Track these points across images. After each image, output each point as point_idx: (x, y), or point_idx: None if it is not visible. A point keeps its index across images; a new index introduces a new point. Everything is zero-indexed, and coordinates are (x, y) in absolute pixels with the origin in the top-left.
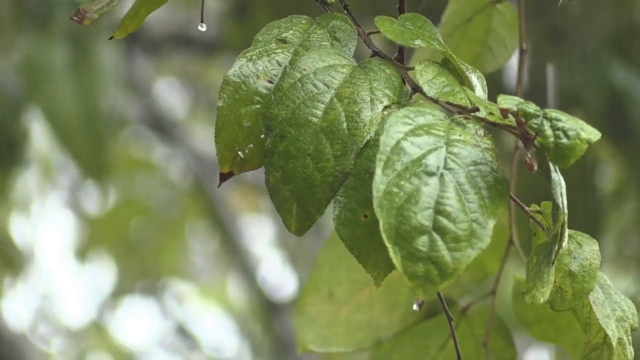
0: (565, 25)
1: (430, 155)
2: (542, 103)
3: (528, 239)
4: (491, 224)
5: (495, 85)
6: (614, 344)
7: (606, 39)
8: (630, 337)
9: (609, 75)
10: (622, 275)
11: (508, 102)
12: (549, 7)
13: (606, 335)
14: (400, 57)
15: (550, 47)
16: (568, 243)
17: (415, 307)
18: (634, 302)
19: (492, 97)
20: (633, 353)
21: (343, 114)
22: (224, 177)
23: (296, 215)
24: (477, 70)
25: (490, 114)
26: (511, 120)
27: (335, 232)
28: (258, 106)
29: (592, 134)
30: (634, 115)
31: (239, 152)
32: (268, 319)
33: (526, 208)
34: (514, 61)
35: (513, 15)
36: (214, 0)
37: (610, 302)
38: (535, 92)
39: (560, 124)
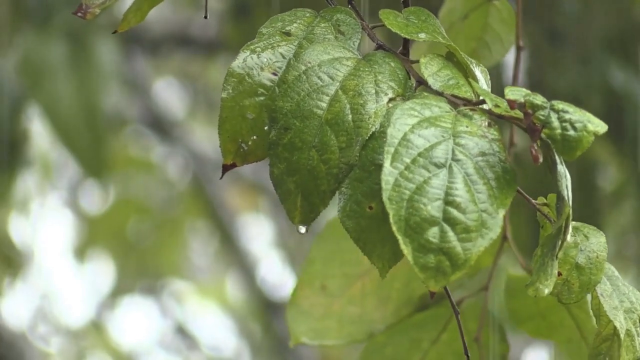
0: (565, 25)
1: (438, 147)
2: None
3: (522, 235)
4: (501, 214)
5: (494, 83)
6: (621, 335)
7: (606, 39)
8: (639, 329)
9: (608, 76)
10: (621, 275)
11: (515, 93)
12: (549, 7)
13: (615, 326)
14: (405, 50)
15: (549, 47)
16: (574, 235)
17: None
18: None
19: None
20: None
21: (348, 106)
22: (226, 168)
23: (300, 207)
24: (481, 64)
25: (496, 106)
26: (516, 112)
27: (327, 227)
28: (262, 98)
29: (598, 126)
30: (633, 116)
31: (243, 144)
32: (267, 319)
33: (533, 201)
34: (512, 59)
35: (510, 11)
36: (214, 0)
37: (618, 293)
38: (534, 92)
39: (567, 116)
